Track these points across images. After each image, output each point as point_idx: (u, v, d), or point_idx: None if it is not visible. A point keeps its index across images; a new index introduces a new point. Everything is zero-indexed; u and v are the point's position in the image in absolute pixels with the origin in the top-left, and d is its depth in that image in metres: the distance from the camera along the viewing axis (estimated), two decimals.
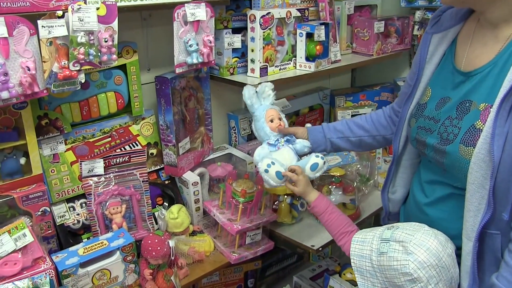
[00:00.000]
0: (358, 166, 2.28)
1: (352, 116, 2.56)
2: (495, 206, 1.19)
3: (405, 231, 1.32)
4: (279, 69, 2.18)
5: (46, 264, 1.62)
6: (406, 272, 1.26)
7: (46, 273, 1.60)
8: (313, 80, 2.72)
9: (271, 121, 1.71)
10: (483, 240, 1.25)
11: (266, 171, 1.59)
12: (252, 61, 2.08)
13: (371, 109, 2.58)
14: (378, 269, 1.33)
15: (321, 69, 2.23)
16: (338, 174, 2.17)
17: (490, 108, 1.19)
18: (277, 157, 1.64)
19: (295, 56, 2.23)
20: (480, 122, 1.21)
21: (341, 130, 1.76)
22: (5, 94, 1.44)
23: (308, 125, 1.84)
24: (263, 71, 2.09)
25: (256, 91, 1.76)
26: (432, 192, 1.41)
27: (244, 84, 1.86)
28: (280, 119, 1.73)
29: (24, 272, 1.59)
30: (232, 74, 2.12)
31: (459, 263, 1.32)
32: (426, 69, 1.45)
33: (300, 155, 1.70)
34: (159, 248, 1.73)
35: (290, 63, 2.22)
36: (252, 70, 2.09)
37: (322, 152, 1.74)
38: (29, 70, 1.47)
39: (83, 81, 1.61)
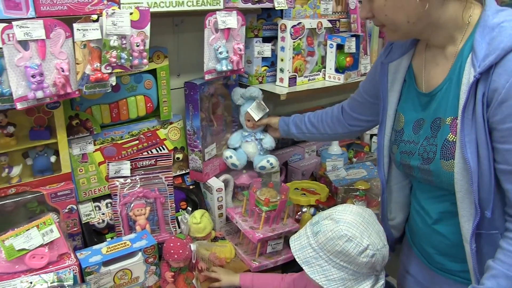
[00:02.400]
0: None
1: None
2: (481, 208, 1.25)
3: (328, 210, 1.48)
4: (308, 80, 2.19)
5: (71, 260, 1.66)
6: (341, 235, 1.37)
7: (70, 269, 1.63)
8: (341, 92, 2.71)
9: (248, 120, 2.10)
10: (483, 241, 1.31)
11: (226, 159, 2.12)
12: (281, 70, 2.09)
13: None
14: (319, 248, 1.41)
15: (350, 81, 2.23)
16: (363, 188, 2.16)
17: (456, 120, 1.26)
18: (244, 147, 2.14)
19: (325, 67, 2.24)
20: (451, 135, 1.28)
21: (300, 126, 2.00)
22: (39, 94, 1.49)
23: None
24: (292, 81, 2.10)
25: (242, 93, 2.08)
26: (433, 210, 1.44)
27: (273, 94, 2.03)
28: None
29: (50, 266, 1.63)
30: (261, 82, 2.14)
31: None
32: (390, 97, 1.51)
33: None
34: (181, 251, 1.75)
35: (319, 74, 2.23)
36: (281, 80, 2.11)
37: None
38: (63, 71, 1.52)
39: (114, 83, 1.66)
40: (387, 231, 1.68)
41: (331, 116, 1.90)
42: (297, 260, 1.45)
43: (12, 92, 1.46)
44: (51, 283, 1.58)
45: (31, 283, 1.56)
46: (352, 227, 1.38)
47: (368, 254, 1.37)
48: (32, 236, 1.60)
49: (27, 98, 1.49)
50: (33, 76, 1.46)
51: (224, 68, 1.86)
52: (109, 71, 1.61)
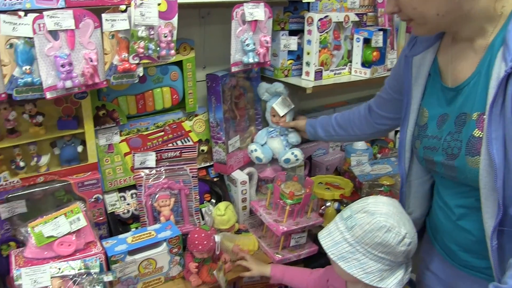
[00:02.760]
0: None
1: None
2: (505, 205, 1.22)
3: (358, 204, 1.47)
4: (334, 74, 2.17)
5: (97, 249, 1.68)
6: (380, 227, 1.36)
7: (96, 257, 1.66)
8: (367, 87, 2.69)
9: (274, 115, 2.12)
10: (505, 238, 1.28)
11: (251, 152, 2.12)
12: (308, 64, 2.09)
13: None
14: (356, 242, 1.40)
15: (376, 76, 2.21)
16: (388, 183, 2.14)
17: (484, 116, 1.22)
18: (269, 143, 2.15)
19: (351, 62, 2.22)
20: (478, 131, 1.24)
21: (327, 129, 2.00)
22: (68, 83, 1.51)
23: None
24: (318, 74, 2.09)
25: (267, 89, 2.10)
26: (457, 206, 1.41)
27: (298, 88, 2.03)
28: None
29: (77, 254, 1.65)
30: (286, 76, 2.13)
31: None
32: (414, 91, 1.49)
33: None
34: (205, 242, 1.76)
35: (345, 68, 2.22)
36: (307, 73, 2.10)
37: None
38: (91, 61, 1.54)
39: (141, 74, 1.67)
40: None
41: (358, 117, 1.89)
42: (331, 256, 1.44)
43: (42, 81, 1.48)
44: (78, 270, 1.61)
45: (59, 269, 1.59)
46: (389, 217, 1.38)
47: (406, 243, 1.37)
48: (60, 224, 1.63)
49: (56, 88, 1.51)
50: (62, 65, 1.48)
51: (251, 61, 1.86)
52: (137, 61, 1.62)
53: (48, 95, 1.50)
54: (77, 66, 1.53)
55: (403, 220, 1.40)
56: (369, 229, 1.37)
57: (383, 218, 1.37)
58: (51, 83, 1.50)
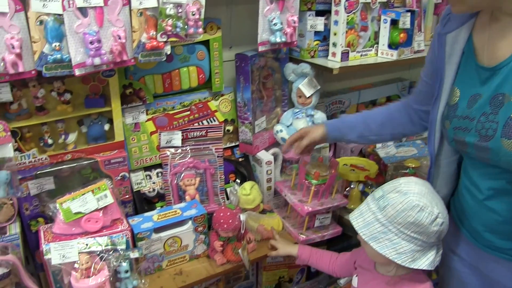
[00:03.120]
0: None
1: None
2: None
3: (390, 184, 1.45)
4: (360, 55, 2.15)
5: (123, 226, 1.70)
6: (413, 206, 1.35)
7: (123, 234, 1.68)
8: (392, 70, 2.67)
9: (300, 96, 2.09)
10: None
11: (276, 132, 2.12)
12: (334, 45, 2.06)
13: None
14: (388, 222, 1.38)
15: (403, 58, 2.18)
16: (413, 166, 2.12)
17: None
18: (295, 124, 2.13)
19: (377, 43, 2.19)
20: None
21: (359, 130, 1.77)
22: (97, 61, 1.52)
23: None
24: (344, 55, 2.07)
25: (294, 69, 2.08)
26: (486, 186, 1.37)
27: (324, 69, 2.03)
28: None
29: (104, 230, 1.68)
30: (312, 57, 2.11)
31: None
32: (447, 70, 1.43)
33: None
34: (230, 221, 1.76)
35: (371, 49, 2.19)
36: (333, 54, 2.08)
37: None
38: (119, 38, 1.54)
39: (168, 52, 1.67)
40: None
41: (399, 114, 1.75)
42: (363, 237, 1.42)
43: (71, 58, 1.49)
44: (105, 246, 1.63)
45: (87, 245, 1.61)
46: (422, 196, 1.36)
47: (438, 223, 1.36)
48: (88, 200, 1.65)
49: (85, 65, 1.52)
50: (91, 42, 1.49)
51: (278, 40, 1.84)
52: (165, 39, 1.63)
53: (77, 72, 1.52)
54: (106, 44, 1.54)
55: (435, 200, 1.38)
56: (402, 208, 1.36)
57: (416, 197, 1.35)
58: (79, 60, 1.51)
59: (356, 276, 1.66)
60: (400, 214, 1.36)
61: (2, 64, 1.43)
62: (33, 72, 1.50)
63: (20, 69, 1.46)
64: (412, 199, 1.35)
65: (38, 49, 1.46)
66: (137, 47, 1.61)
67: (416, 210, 1.34)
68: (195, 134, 1.94)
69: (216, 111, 2.03)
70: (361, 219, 1.45)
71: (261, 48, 1.84)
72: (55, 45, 1.46)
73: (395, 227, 1.38)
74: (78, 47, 1.50)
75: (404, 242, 1.38)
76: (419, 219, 1.35)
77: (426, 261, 1.40)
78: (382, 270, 1.56)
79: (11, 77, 1.47)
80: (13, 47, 1.42)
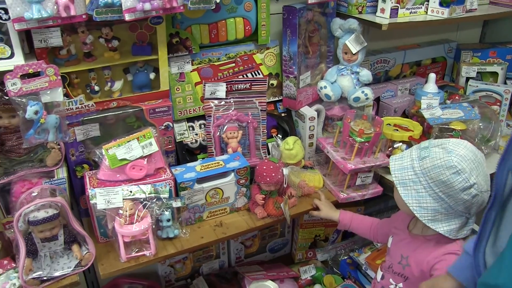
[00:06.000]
0: (480, 124, 2.15)
1: (478, 73, 2.44)
2: None
3: (440, 140, 1.42)
4: (410, 13, 2.07)
5: (167, 175, 1.71)
6: (450, 166, 1.32)
7: (166, 183, 1.69)
8: (439, 30, 2.58)
9: (346, 53, 2.05)
10: None
11: (320, 89, 2.10)
12: (384, 0, 2.00)
13: (501, 67, 2.42)
14: (421, 173, 1.38)
15: (454, 17, 2.10)
16: (459, 128, 2.06)
17: None
18: (339, 81, 2.09)
19: (428, 1, 2.11)
20: None
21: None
22: (147, 6, 1.50)
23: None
24: (394, 12, 2.00)
25: (341, 25, 2.03)
26: None
27: (373, 24, 1.98)
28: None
29: (147, 178, 1.69)
30: (360, 13, 2.05)
31: None
32: None
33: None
34: (273, 174, 1.76)
35: (421, 7, 2.11)
36: (382, 10, 2.01)
37: None
38: None
39: (218, 1, 1.63)
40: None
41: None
42: (393, 179, 1.43)
43: (121, 2, 1.48)
44: (148, 194, 1.65)
45: (131, 191, 1.63)
46: (464, 161, 1.32)
47: (471, 193, 1.33)
48: (133, 148, 1.66)
49: (135, 10, 1.50)
50: None
51: None
52: None
53: (127, 17, 1.50)
54: None
55: (478, 171, 1.34)
56: (439, 164, 1.34)
57: (457, 159, 1.32)
58: (130, 5, 1.49)
59: (392, 236, 1.66)
60: (435, 169, 1.35)
61: (55, 7, 1.42)
62: (84, 16, 1.50)
63: (72, 13, 1.45)
64: (452, 159, 1.33)
65: None
66: None
67: (452, 171, 1.32)
68: (239, 86, 1.92)
69: (261, 64, 2.00)
70: (399, 161, 1.46)
71: (311, 0, 1.79)
72: None
73: (426, 181, 1.37)
74: None
75: (430, 199, 1.37)
76: (451, 181, 1.33)
77: (447, 227, 1.38)
78: (411, 227, 1.56)
79: (63, 20, 1.46)
80: None
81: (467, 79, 2.47)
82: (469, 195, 1.33)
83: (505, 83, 2.45)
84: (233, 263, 2.36)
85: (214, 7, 1.64)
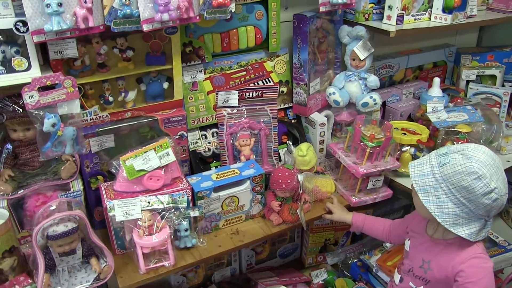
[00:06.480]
0: (483, 126, 2.20)
1: (478, 76, 2.49)
2: None
3: (458, 146, 1.44)
4: (414, 19, 2.11)
5: (183, 184, 1.71)
6: (471, 172, 1.34)
7: (184, 192, 1.69)
8: (438, 36, 2.63)
9: (353, 59, 2.09)
10: None
11: (329, 95, 2.13)
12: (390, 8, 2.02)
13: (499, 70, 2.47)
14: (442, 179, 1.40)
15: (457, 22, 2.14)
16: (465, 131, 2.10)
17: None
18: (347, 87, 2.13)
19: (431, 7, 2.15)
20: None
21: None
22: (165, 16, 1.50)
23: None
24: (400, 19, 2.03)
25: (349, 32, 2.06)
26: None
27: (381, 31, 2.02)
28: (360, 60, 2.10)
29: (164, 188, 1.69)
30: (367, 20, 2.08)
31: None
32: None
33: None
34: (289, 181, 1.77)
35: (425, 13, 2.14)
36: (389, 17, 2.04)
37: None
38: None
39: (233, 10, 1.65)
40: None
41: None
42: (414, 186, 1.45)
43: (139, 13, 1.48)
44: (166, 204, 1.64)
45: (149, 202, 1.63)
46: (484, 166, 1.35)
47: (491, 197, 1.35)
48: (150, 158, 1.65)
49: (154, 20, 1.50)
50: None
51: (340, 1, 1.82)
52: None
53: (145, 28, 1.50)
54: (173, 0, 1.51)
55: (497, 175, 1.36)
56: (460, 170, 1.36)
57: (477, 164, 1.34)
58: (147, 15, 1.49)
59: (409, 239, 1.68)
60: (456, 176, 1.37)
61: (73, 18, 1.42)
62: (101, 27, 1.49)
63: (90, 24, 1.45)
64: (473, 165, 1.34)
65: (108, 4, 1.45)
66: (203, 4, 1.58)
67: (473, 176, 1.34)
68: (251, 94, 1.93)
69: (271, 71, 2.01)
70: (419, 168, 1.47)
71: (322, 9, 1.81)
72: (125, 0, 1.44)
73: (447, 187, 1.39)
74: (147, 2, 1.48)
75: (451, 204, 1.39)
76: (473, 187, 1.35)
77: (468, 230, 1.40)
78: (431, 231, 1.57)
79: (80, 32, 1.45)
80: (85, 1, 1.40)
81: (467, 82, 2.52)
82: (490, 200, 1.35)
83: (503, 85, 2.51)
84: (244, 270, 2.36)
85: (229, 16, 1.65)
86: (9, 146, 1.63)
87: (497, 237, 2.29)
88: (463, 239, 1.42)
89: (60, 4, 1.35)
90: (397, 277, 1.69)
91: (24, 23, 1.38)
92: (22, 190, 1.62)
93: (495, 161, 1.38)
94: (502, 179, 1.38)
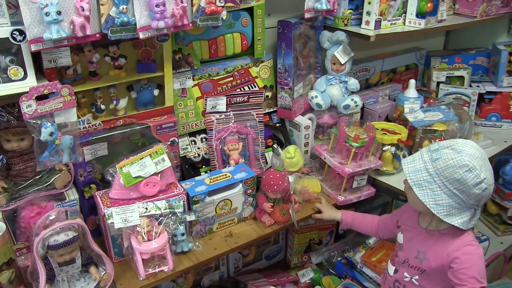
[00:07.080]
0: (457, 124, 2.31)
1: (447, 77, 2.62)
2: None
3: (448, 141, 1.53)
4: (390, 24, 2.20)
5: (178, 190, 1.73)
6: (463, 165, 1.43)
7: (179, 197, 1.71)
8: (410, 40, 2.75)
9: (334, 63, 2.17)
10: None
11: (311, 98, 2.18)
12: (368, 13, 2.10)
13: (466, 72, 2.61)
14: (436, 173, 1.48)
15: (429, 27, 2.24)
16: (441, 129, 2.20)
17: None
18: (328, 90, 2.21)
19: (405, 13, 2.24)
20: None
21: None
22: (161, 24, 1.53)
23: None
24: (377, 24, 2.11)
25: (329, 37, 2.13)
26: None
27: (361, 35, 2.09)
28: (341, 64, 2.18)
29: (160, 194, 1.70)
30: (345, 25, 2.15)
31: None
32: None
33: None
34: (280, 182, 1.81)
35: (399, 19, 2.23)
36: (367, 23, 2.12)
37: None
38: (182, 2, 1.55)
39: (225, 17, 1.68)
40: None
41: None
42: (409, 181, 1.52)
43: (136, 21, 1.50)
44: (163, 209, 1.66)
45: (146, 208, 1.64)
46: (474, 159, 1.44)
47: (481, 187, 1.44)
48: (146, 164, 1.67)
49: (150, 28, 1.53)
50: (157, 5, 1.50)
51: (324, 7, 1.89)
52: (222, 4, 1.64)
53: (141, 35, 1.52)
54: (168, 7, 1.54)
55: (485, 166, 1.46)
56: (452, 164, 1.44)
57: (468, 158, 1.43)
58: (143, 23, 1.51)
59: (401, 233, 1.75)
60: (448, 169, 1.45)
61: (71, 27, 1.42)
62: (97, 35, 1.50)
63: (88, 32, 1.45)
64: (464, 159, 1.43)
65: (105, 12, 1.46)
66: (196, 12, 1.62)
67: (465, 169, 1.43)
68: (238, 99, 1.97)
69: (256, 77, 2.06)
70: (412, 165, 1.55)
71: (307, 15, 1.87)
72: (123, 8, 1.46)
73: (440, 180, 1.47)
74: (143, 10, 1.50)
75: (445, 196, 1.47)
76: (465, 178, 1.43)
77: (460, 219, 1.49)
78: (425, 224, 1.64)
79: (77, 40, 1.46)
80: (82, 10, 1.41)
81: (438, 83, 2.64)
82: (480, 189, 1.45)
83: (471, 85, 2.65)
84: (232, 273, 2.38)
85: (221, 23, 1.69)
86: (2, 157, 1.61)
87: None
88: (456, 229, 1.51)
89: (59, 13, 1.35)
90: (391, 269, 1.76)
91: (21, 32, 1.37)
92: (16, 202, 1.59)
93: (482, 153, 1.48)
94: (489, 170, 1.48)
